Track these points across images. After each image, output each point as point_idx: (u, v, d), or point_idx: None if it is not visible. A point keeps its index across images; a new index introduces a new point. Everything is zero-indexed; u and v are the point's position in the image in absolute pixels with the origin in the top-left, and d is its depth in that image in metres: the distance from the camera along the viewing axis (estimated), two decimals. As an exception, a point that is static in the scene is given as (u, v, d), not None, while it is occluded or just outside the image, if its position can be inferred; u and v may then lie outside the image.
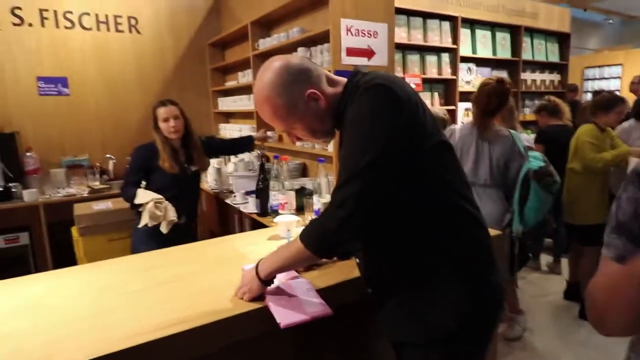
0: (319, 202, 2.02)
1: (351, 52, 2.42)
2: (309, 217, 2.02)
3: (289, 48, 2.93)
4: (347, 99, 1.04)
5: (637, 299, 0.64)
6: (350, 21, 2.39)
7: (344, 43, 2.40)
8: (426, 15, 3.95)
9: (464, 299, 1.01)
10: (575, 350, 2.52)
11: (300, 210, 2.26)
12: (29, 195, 3.15)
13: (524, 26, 4.65)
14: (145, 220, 2.16)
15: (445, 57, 4.15)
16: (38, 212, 3.18)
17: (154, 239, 2.14)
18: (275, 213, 2.23)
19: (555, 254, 3.68)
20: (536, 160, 2.27)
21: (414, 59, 3.97)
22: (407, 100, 0.96)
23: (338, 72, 1.16)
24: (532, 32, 4.88)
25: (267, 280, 1.14)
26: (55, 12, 3.59)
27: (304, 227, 1.08)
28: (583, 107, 3.69)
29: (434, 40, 4.01)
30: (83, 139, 3.83)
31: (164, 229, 2.19)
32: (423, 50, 4.03)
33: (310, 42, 2.79)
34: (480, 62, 4.46)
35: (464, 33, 4.29)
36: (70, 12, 3.66)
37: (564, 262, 3.50)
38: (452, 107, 4.19)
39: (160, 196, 2.20)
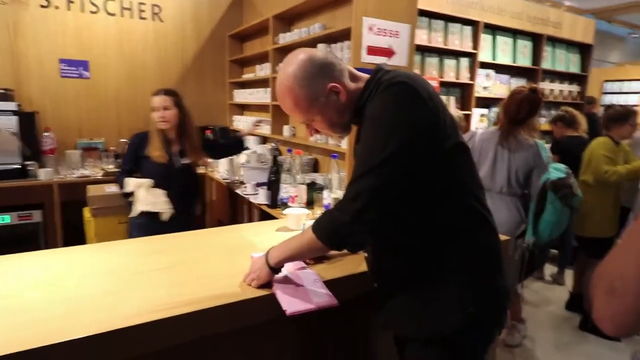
0: (330, 197, 2.04)
1: (372, 50, 2.42)
2: (319, 211, 2.03)
3: (309, 44, 2.94)
4: (368, 94, 1.05)
5: None
6: (373, 20, 2.40)
7: (365, 41, 2.40)
8: (448, 19, 3.93)
9: (469, 300, 1.01)
10: (572, 357, 2.51)
11: (310, 204, 2.28)
12: (44, 174, 3.21)
13: (546, 35, 4.60)
14: (139, 207, 2.16)
15: (465, 61, 4.13)
16: (52, 191, 3.24)
17: (147, 229, 2.14)
18: (285, 205, 2.24)
19: (559, 265, 3.65)
20: (557, 171, 2.20)
21: (432, 61, 3.95)
22: (428, 100, 0.97)
23: (358, 70, 1.17)
24: (555, 41, 4.83)
25: (276, 268, 1.16)
26: (81, -5, 3.65)
27: (316, 218, 1.09)
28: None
29: (454, 44, 3.99)
30: (100, 123, 3.90)
31: (164, 216, 2.19)
32: (442, 53, 4.01)
33: (331, 39, 2.80)
34: (500, 68, 4.43)
35: (485, 38, 4.25)
36: (96, -3, 3.72)
37: (568, 274, 3.48)
38: (468, 112, 4.17)
39: (149, 181, 2.19)
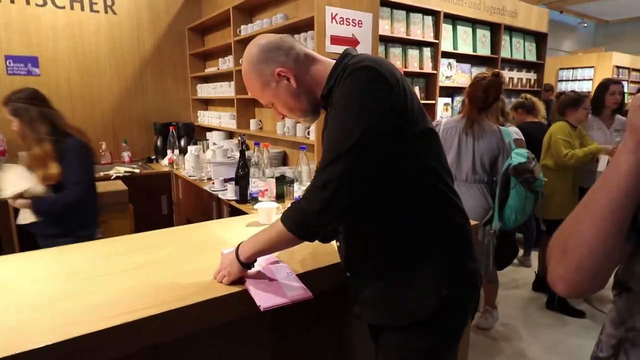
0: (300, 189, 2.01)
1: (335, 40, 2.40)
2: (289, 204, 2.00)
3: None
4: (334, 79, 1.02)
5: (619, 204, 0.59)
6: (336, 9, 2.37)
7: (329, 31, 2.38)
8: (409, 9, 3.96)
9: (442, 284, 1.02)
10: (541, 336, 2.62)
11: (280, 197, 2.24)
12: (-5, 178, 3.00)
13: (503, 24, 4.72)
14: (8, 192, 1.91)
15: (427, 51, 4.18)
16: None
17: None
18: (255, 200, 2.20)
19: (525, 247, 3.79)
20: (519, 156, 2.21)
21: (396, 52, 3.98)
22: (395, 84, 0.96)
23: (323, 58, 1.15)
24: (512, 30, 4.97)
25: (248, 264, 1.12)
26: (25, -13, 3.43)
27: (285, 209, 1.06)
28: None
29: (416, 34, 4.03)
30: (54, 122, 3.69)
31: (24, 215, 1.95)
32: (405, 43, 4.05)
33: (294, 29, 2.75)
34: (461, 58, 4.51)
35: (446, 28, 4.32)
36: (42, -11, 3.50)
37: (534, 256, 3.61)
38: (432, 102, 4.24)
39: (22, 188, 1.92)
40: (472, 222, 1.55)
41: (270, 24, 2.89)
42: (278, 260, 1.29)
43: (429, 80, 4.30)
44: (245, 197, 2.33)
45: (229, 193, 2.51)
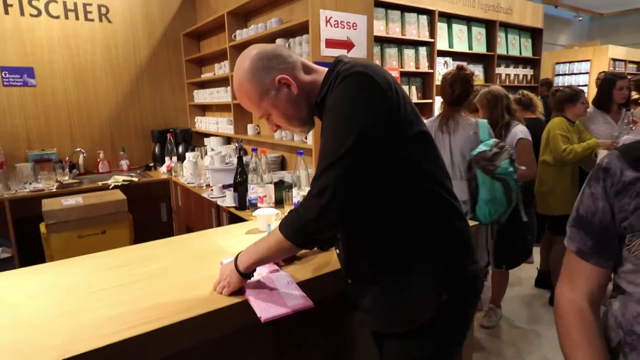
0: (299, 194, 2.00)
1: (330, 43, 2.39)
2: (289, 209, 1.99)
3: (267, 39, 2.87)
4: (327, 87, 1.02)
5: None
6: (330, 12, 2.37)
7: (324, 34, 2.37)
8: (404, 9, 3.96)
9: (442, 288, 1.01)
10: (546, 334, 2.61)
11: (279, 203, 2.23)
12: (-7, 191, 3.00)
13: (498, 21, 4.72)
14: None
15: (423, 50, 4.18)
16: (3, 208, 3.03)
17: None
18: (254, 206, 2.19)
19: (527, 244, 3.77)
20: (484, 146, 2.12)
21: (392, 52, 3.97)
22: (387, 89, 0.95)
23: (318, 64, 1.14)
24: (507, 27, 4.97)
25: (247, 274, 1.11)
26: (19, -1, 3.43)
27: (283, 218, 1.06)
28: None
29: (411, 33, 4.03)
30: (51, 132, 3.69)
31: None
32: (401, 43, 4.04)
33: (289, 33, 2.75)
34: (457, 56, 4.51)
35: (441, 27, 4.32)
36: (37, 0, 3.49)
37: (536, 252, 3.60)
38: (430, 100, 4.23)
39: None
40: (472, 223, 1.54)
41: (265, 28, 2.88)
42: (278, 269, 1.28)
43: (425, 79, 4.30)
44: (244, 204, 2.32)
45: (228, 200, 2.50)
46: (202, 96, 4.13)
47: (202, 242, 1.62)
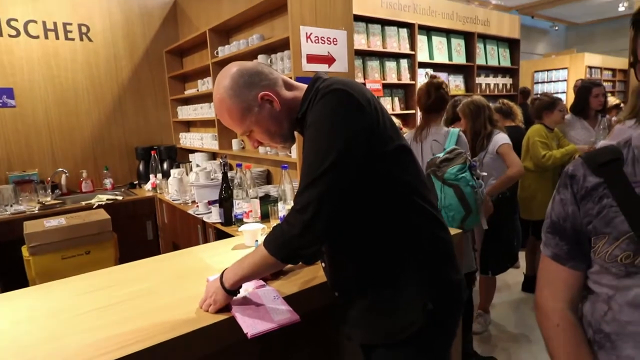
0: (284, 208, 2.00)
1: (312, 59, 2.42)
2: (274, 224, 2.00)
3: (249, 55, 2.90)
4: (307, 103, 1.04)
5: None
6: (310, 28, 2.40)
7: (304, 50, 2.40)
8: (384, 22, 4.04)
9: (427, 298, 1.03)
10: (534, 337, 2.64)
11: (265, 217, 2.23)
12: (-28, 214, 2.94)
13: (477, 33, 4.84)
14: None
15: (404, 62, 4.26)
16: (-17, 232, 2.97)
17: None
18: (240, 222, 2.18)
19: (513, 249, 3.82)
20: (441, 153, 2.10)
21: (374, 65, 4.04)
22: (366, 105, 0.97)
23: (299, 79, 1.17)
24: (485, 38, 5.10)
25: (233, 290, 1.11)
26: (-3, 19, 3.40)
27: (267, 234, 1.06)
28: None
29: (392, 46, 4.10)
30: (32, 153, 3.63)
31: None
32: (382, 56, 4.12)
33: (270, 49, 2.78)
34: (438, 67, 4.60)
35: (421, 39, 4.41)
36: (15, 20, 3.47)
37: (521, 256, 3.65)
38: (412, 111, 4.30)
39: None
40: (453, 231, 1.57)
41: (247, 44, 2.91)
42: (264, 284, 1.28)
43: (407, 90, 4.37)
44: (230, 219, 2.32)
45: (214, 216, 2.49)
46: (186, 112, 4.12)
47: (188, 259, 1.61)
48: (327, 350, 1.47)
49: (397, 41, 4.14)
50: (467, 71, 4.93)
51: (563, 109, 3.10)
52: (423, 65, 4.41)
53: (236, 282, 1.10)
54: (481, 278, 2.76)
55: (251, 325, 1.05)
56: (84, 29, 3.79)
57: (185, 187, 3.15)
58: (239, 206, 2.20)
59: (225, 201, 2.31)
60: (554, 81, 8.97)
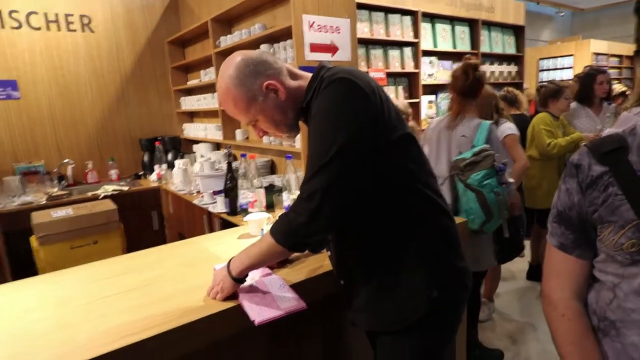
0: (289, 198, 2.02)
1: (315, 47, 2.41)
2: (280, 213, 2.01)
3: (251, 45, 2.89)
4: (312, 93, 1.04)
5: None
6: (312, 17, 2.39)
7: (307, 39, 2.39)
8: (387, 10, 4.00)
9: (432, 286, 1.04)
10: (538, 325, 2.66)
11: (270, 207, 2.25)
12: (-20, 206, 2.97)
13: (481, 19, 4.78)
14: None
15: (408, 51, 4.22)
16: (-8, 223, 3.00)
17: None
18: (245, 212, 2.20)
19: (518, 238, 3.83)
20: (468, 153, 1.99)
21: (377, 53, 4.01)
22: (370, 93, 0.97)
23: (302, 68, 1.16)
24: (490, 25, 5.03)
25: (240, 278, 1.13)
26: (-1, 11, 3.40)
27: (273, 222, 1.07)
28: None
29: (395, 34, 4.07)
30: (37, 144, 3.65)
31: None
32: (386, 44, 4.08)
33: (273, 38, 2.76)
34: (442, 55, 4.56)
35: (425, 27, 4.37)
36: (17, 12, 3.46)
37: (526, 245, 3.66)
38: (416, 100, 4.28)
39: None
40: (458, 219, 1.57)
41: (249, 34, 2.90)
42: (271, 272, 1.30)
43: (411, 79, 4.34)
44: (235, 209, 2.33)
45: (219, 206, 2.51)
46: (190, 103, 4.12)
47: (194, 249, 1.63)
48: (333, 337, 1.49)
49: (400, 29, 4.11)
50: (471, 59, 4.88)
51: (569, 97, 3.08)
52: (427, 53, 4.37)
53: (243, 270, 1.11)
54: None
55: (258, 313, 1.07)
56: (85, 20, 3.78)
57: (190, 178, 3.16)
58: (244, 196, 2.21)
59: (230, 191, 2.32)
60: (560, 68, 8.87)
